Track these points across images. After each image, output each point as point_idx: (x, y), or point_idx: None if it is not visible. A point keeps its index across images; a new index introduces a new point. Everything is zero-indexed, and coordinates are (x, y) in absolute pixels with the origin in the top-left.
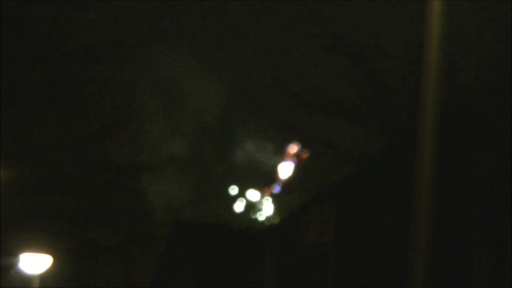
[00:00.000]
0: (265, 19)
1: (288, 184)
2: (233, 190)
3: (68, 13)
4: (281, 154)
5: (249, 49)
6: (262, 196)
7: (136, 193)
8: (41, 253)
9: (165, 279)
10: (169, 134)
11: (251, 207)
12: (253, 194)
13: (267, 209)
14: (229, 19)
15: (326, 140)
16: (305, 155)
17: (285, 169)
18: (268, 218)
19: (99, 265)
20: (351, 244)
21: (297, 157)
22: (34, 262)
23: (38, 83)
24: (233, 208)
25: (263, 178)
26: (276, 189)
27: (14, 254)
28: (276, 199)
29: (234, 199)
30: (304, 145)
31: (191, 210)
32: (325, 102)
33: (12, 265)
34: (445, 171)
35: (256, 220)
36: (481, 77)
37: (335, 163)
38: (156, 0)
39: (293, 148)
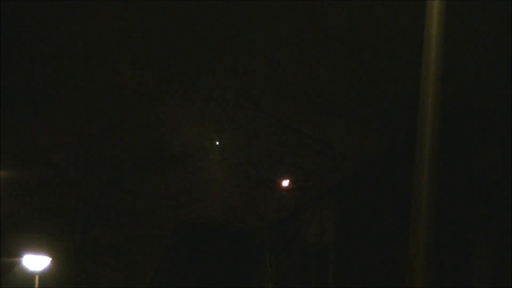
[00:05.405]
0: (265, 19)
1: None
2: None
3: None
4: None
5: (248, 49)
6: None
7: (136, 193)
8: (41, 253)
9: (165, 279)
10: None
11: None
12: None
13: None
14: (227, 18)
15: (326, 140)
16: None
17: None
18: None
19: (99, 265)
20: (351, 244)
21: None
22: (34, 262)
23: (38, 83)
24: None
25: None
26: None
27: (14, 255)
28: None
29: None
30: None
31: (191, 210)
32: (325, 102)
33: (13, 266)
34: (445, 171)
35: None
36: (481, 77)
37: (335, 163)
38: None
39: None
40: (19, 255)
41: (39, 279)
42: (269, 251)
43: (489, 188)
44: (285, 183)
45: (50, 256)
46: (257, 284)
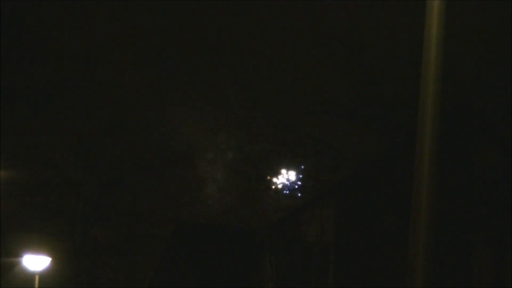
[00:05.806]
0: (264, 19)
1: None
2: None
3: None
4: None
5: (248, 49)
6: None
7: (136, 193)
8: (41, 253)
9: (165, 279)
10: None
11: None
12: None
13: None
14: (227, 18)
15: (326, 140)
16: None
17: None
18: None
19: (99, 265)
20: (351, 244)
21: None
22: (34, 262)
23: (38, 83)
24: None
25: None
26: None
27: (15, 255)
28: None
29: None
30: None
31: (191, 210)
32: (325, 102)
33: (13, 266)
34: (445, 171)
35: None
36: (481, 77)
37: (335, 163)
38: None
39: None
40: (19, 255)
41: (39, 279)
42: (269, 251)
43: (489, 188)
44: (285, 183)
45: (50, 256)
46: (257, 284)
